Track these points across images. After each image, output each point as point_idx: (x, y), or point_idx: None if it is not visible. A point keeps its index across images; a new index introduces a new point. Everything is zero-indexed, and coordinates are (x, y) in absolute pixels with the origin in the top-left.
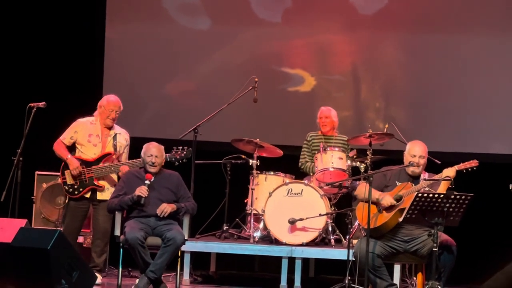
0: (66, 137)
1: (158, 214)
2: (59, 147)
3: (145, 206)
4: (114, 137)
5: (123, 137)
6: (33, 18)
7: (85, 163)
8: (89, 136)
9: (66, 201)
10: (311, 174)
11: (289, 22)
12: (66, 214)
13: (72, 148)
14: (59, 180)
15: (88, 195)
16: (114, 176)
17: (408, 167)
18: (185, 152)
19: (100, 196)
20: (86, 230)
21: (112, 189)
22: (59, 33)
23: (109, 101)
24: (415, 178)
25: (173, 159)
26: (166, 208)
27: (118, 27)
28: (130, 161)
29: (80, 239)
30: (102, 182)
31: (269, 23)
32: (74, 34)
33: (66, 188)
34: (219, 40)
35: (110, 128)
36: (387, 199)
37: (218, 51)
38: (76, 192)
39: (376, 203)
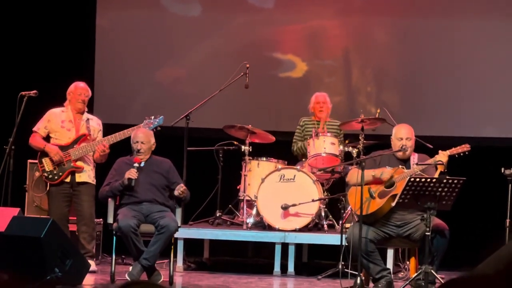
0: (40, 127)
1: (177, 192)
2: (34, 139)
3: (137, 192)
4: (87, 121)
5: (95, 122)
6: (23, 6)
7: (62, 148)
8: (62, 122)
9: (47, 189)
10: (303, 158)
11: (280, 7)
12: (50, 201)
13: (47, 139)
14: (39, 170)
15: (68, 179)
16: (90, 156)
17: (398, 152)
18: (157, 120)
19: (79, 178)
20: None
21: (90, 169)
22: (50, 21)
23: (77, 86)
24: (405, 162)
25: (146, 128)
26: (184, 190)
27: (109, 14)
28: (105, 137)
29: (74, 227)
30: (79, 163)
31: (260, 8)
32: (65, 22)
33: (46, 175)
34: (210, 27)
35: (82, 113)
36: (387, 172)
37: (210, 38)
38: (56, 177)
39: (372, 182)
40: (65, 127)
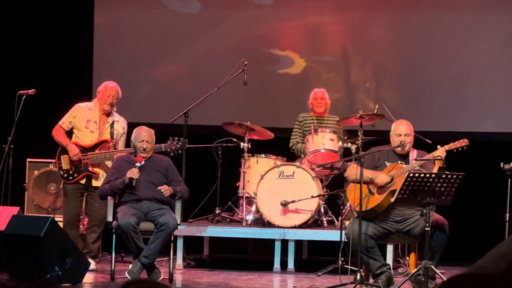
0: (65, 121)
1: (161, 191)
2: (58, 133)
3: (137, 190)
4: (112, 125)
5: (120, 125)
6: (21, 5)
7: (81, 149)
8: (87, 122)
9: (61, 187)
10: (302, 156)
11: (278, 3)
12: (66, 199)
13: (69, 133)
14: (52, 166)
15: (83, 181)
16: (109, 164)
17: (397, 147)
18: (180, 143)
19: (95, 183)
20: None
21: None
22: (48, 19)
23: (107, 87)
24: (404, 157)
25: (168, 149)
26: (168, 189)
27: (107, 11)
28: (126, 149)
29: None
30: (97, 169)
31: (259, 5)
32: (63, 20)
33: (61, 173)
34: (209, 23)
35: (108, 114)
36: (382, 177)
37: (208, 35)
38: (70, 178)
39: (369, 182)
40: (89, 128)
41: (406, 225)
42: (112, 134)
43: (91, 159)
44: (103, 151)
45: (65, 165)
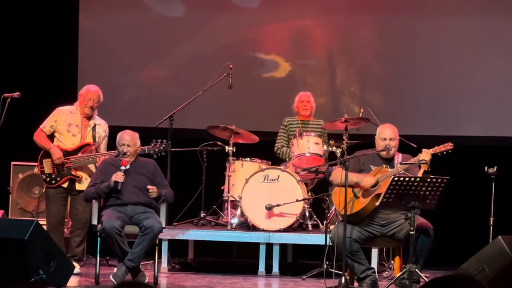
0: (46, 125)
1: (149, 190)
2: (40, 137)
3: (122, 194)
4: (93, 128)
5: (102, 128)
6: (6, 7)
7: (64, 153)
8: (69, 126)
9: (43, 191)
10: (287, 159)
11: (263, 7)
12: (48, 203)
13: (50, 136)
14: (36, 170)
15: (65, 185)
16: (92, 167)
17: (382, 151)
18: (163, 146)
19: (78, 186)
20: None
21: (90, 177)
22: (32, 21)
23: (88, 90)
24: (389, 161)
25: (152, 151)
26: (156, 191)
27: (92, 14)
28: (108, 152)
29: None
30: (80, 173)
31: (243, 8)
32: (48, 22)
33: (44, 177)
34: (194, 27)
35: (89, 118)
36: (369, 180)
37: (193, 38)
38: (53, 182)
39: (354, 186)
40: (71, 131)
41: (390, 228)
42: (94, 137)
43: (73, 163)
44: (85, 154)
45: (47, 169)
